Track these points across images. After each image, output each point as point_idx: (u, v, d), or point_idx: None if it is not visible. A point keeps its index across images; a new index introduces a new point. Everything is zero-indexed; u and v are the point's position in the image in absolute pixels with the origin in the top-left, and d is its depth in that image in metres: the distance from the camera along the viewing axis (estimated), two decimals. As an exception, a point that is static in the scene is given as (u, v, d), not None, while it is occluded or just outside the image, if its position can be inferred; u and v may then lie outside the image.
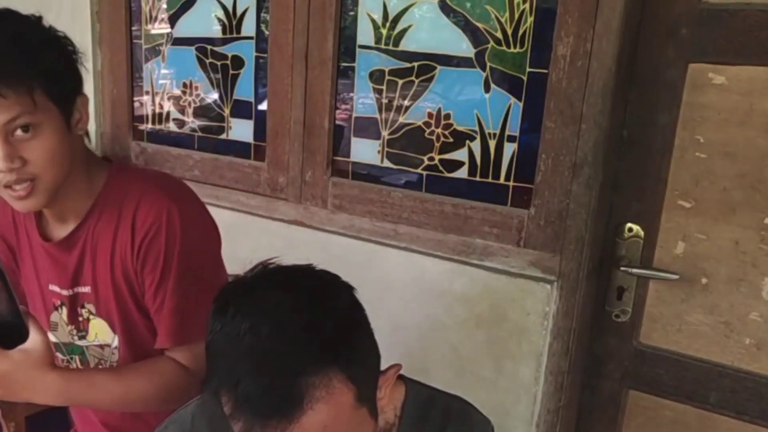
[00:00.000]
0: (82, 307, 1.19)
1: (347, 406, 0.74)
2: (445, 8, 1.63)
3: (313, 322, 0.74)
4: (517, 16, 1.54)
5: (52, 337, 1.20)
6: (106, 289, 1.15)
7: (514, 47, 1.56)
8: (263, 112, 1.96)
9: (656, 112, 1.48)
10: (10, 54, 0.99)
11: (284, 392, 0.71)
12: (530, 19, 1.53)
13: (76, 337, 1.21)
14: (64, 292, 1.19)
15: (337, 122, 1.84)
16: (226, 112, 2.05)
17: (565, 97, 1.48)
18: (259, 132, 1.98)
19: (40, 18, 1.10)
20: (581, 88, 1.46)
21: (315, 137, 1.84)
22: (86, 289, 1.17)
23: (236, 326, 0.73)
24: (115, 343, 1.19)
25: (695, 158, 1.46)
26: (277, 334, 0.72)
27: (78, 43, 1.17)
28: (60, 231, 1.17)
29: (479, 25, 1.59)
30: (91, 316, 1.19)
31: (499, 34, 1.57)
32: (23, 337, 1.00)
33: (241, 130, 2.03)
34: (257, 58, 1.96)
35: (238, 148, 2.03)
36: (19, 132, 1.01)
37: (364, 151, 1.81)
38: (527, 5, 1.53)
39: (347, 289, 0.81)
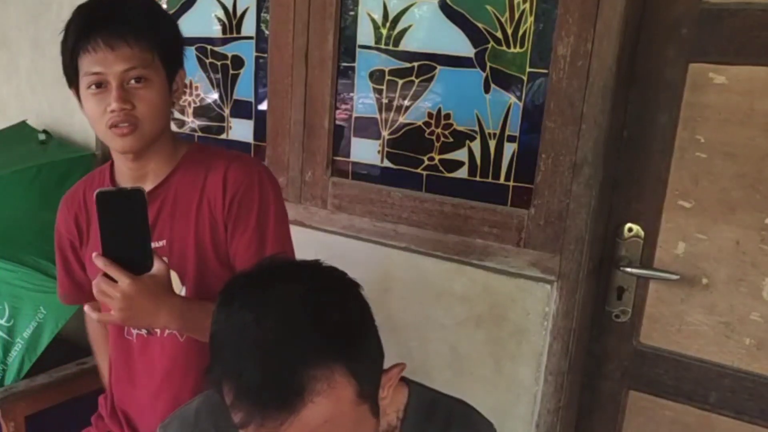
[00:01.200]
0: None
1: (348, 401, 0.74)
2: (445, 8, 1.63)
3: (318, 315, 0.74)
4: (517, 16, 1.54)
5: None
6: (184, 241, 1.26)
7: (514, 47, 1.56)
8: (263, 112, 1.96)
9: (656, 112, 1.48)
10: (144, 17, 1.19)
11: (286, 383, 0.70)
12: (530, 19, 1.53)
13: None
14: None
15: (337, 122, 1.84)
16: (226, 112, 2.05)
17: (565, 97, 1.48)
18: (259, 132, 1.98)
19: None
20: (581, 88, 1.46)
21: (315, 137, 1.84)
22: (161, 243, 1.27)
23: (241, 317, 0.74)
24: (182, 294, 1.27)
25: (695, 158, 1.46)
26: (281, 326, 0.72)
27: None
28: None
29: (479, 25, 1.59)
30: None
31: (499, 34, 1.57)
32: (146, 267, 1.10)
33: (241, 130, 2.03)
34: (257, 58, 1.96)
35: (238, 148, 2.03)
36: (132, 82, 1.17)
37: (364, 151, 1.81)
38: (527, 5, 1.53)
39: (353, 286, 0.81)
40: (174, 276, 1.26)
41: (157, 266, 1.11)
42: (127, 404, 1.41)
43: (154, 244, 1.23)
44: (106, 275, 1.10)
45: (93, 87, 1.18)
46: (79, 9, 1.21)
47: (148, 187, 1.26)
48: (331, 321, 0.74)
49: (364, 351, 0.77)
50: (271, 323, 0.72)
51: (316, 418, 0.71)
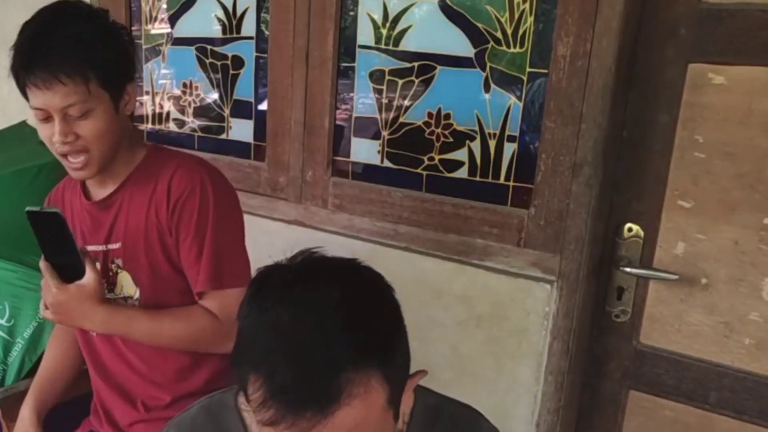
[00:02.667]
0: (112, 262, 1.33)
1: (379, 406, 0.73)
2: (445, 8, 1.63)
3: (357, 320, 0.73)
4: (517, 16, 1.54)
5: None
6: (136, 244, 1.30)
7: (514, 47, 1.56)
8: (263, 112, 1.96)
9: (656, 112, 1.48)
10: (71, 50, 1.16)
11: (323, 386, 0.69)
12: (530, 19, 1.53)
13: (106, 291, 1.33)
14: (99, 248, 1.34)
15: (337, 122, 1.84)
16: (226, 112, 2.05)
17: (564, 97, 1.48)
18: (259, 132, 1.98)
19: (104, 11, 1.26)
20: (581, 88, 1.46)
21: (315, 137, 1.84)
22: (117, 246, 1.32)
23: (276, 315, 0.72)
24: (137, 295, 1.32)
25: (695, 158, 1.46)
26: (320, 328, 0.71)
27: None
28: (100, 193, 1.34)
29: (479, 25, 1.59)
30: (119, 270, 1.33)
31: (499, 34, 1.57)
32: (80, 274, 1.22)
33: (241, 130, 2.03)
34: (257, 58, 1.96)
35: (239, 148, 2.03)
36: (73, 113, 1.19)
37: (364, 151, 1.81)
38: (527, 5, 1.53)
39: (390, 289, 0.80)
40: (128, 277, 1.32)
41: (87, 275, 1.22)
42: (103, 398, 1.43)
43: (111, 246, 1.32)
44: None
45: (41, 119, 1.21)
46: (18, 36, 1.21)
47: (109, 191, 1.32)
48: (370, 326, 0.73)
49: (397, 357, 0.76)
50: (310, 324, 0.71)
51: (347, 422, 0.70)
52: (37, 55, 1.16)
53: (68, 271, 1.23)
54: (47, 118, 1.20)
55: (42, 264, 1.23)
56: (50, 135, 1.20)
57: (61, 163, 1.26)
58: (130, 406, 1.38)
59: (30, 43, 1.18)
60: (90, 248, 1.32)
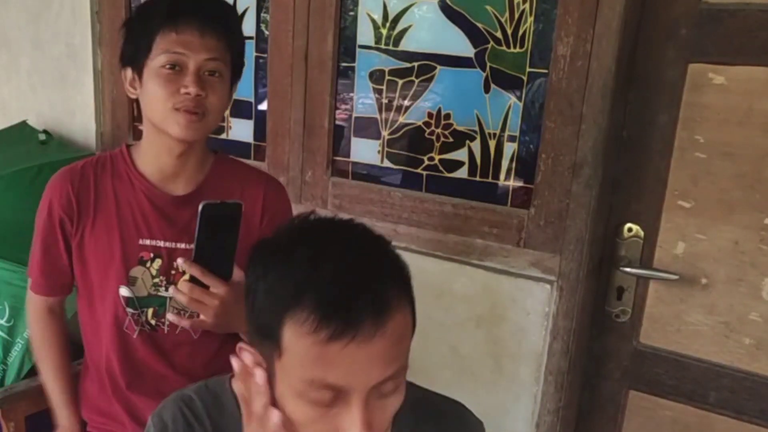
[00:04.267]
0: (175, 261, 1.28)
1: (410, 327, 0.78)
2: (445, 8, 1.63)
3: (389, 248, 0.79)
4: (517, 16, 1.55)
5: (124, 292, 1.28)
6: None
7: (514, 47, 1.56)
8: (263, 112, 1.96)
9: (656, 112, 1.48)
10: (233, 17, 1.27)
11: (376, 296, 0.73)
12: (530, 19, 1.53)
13: (162, 288, 1.30)
14: (164, 244, 1.29)
15: (337, 122, 1.85)
16: (226, 112, 2.05)
17: (564, 97, 1.48)
18: (259, 132, 1.98)
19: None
20: (581, 88, 1.46)
21: (315, 137, 1.85)
22: (191, 247, 1.25)
23: (321, 247, 0.76)
24: None
25: (695, 158, 1.46)
26: (363, 252, 0.76)
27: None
28: (171, 188, 1.30)
29: (479, 25, 1.59)
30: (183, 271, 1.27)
31: (499, 34, 1.58)
32: (226, 273, 1.15)
33: (241, 130, 2.03)
34: (257, 58, 1.96)
35: (238, 148, 2.03)
36: (207, 73, 1.19)
37: (364, 151, 1.81)
38: (527, 5, 1.53)
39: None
40: None
41: (237, 273, 1.15)
42: (131, 399, 1.37)
43: (185, 246, 1.27)
44: (194, 280, 1.14)
45: (168, 66, 1.17)
46: None
47: (180, 189, 1.29)
48: (401, 260, 0.80)
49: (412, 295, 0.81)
50: (355, 250, 0.76)
51: (396, 333, 0.74)
52: (202, 4, 1.18)
53: (216, 271, 1.15)
54: (177, 71, 1.17)
55: (195, 267, 1.13)
56: (173, 88, 1.17)
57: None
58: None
59: None
60: (146, 243, 1.28)
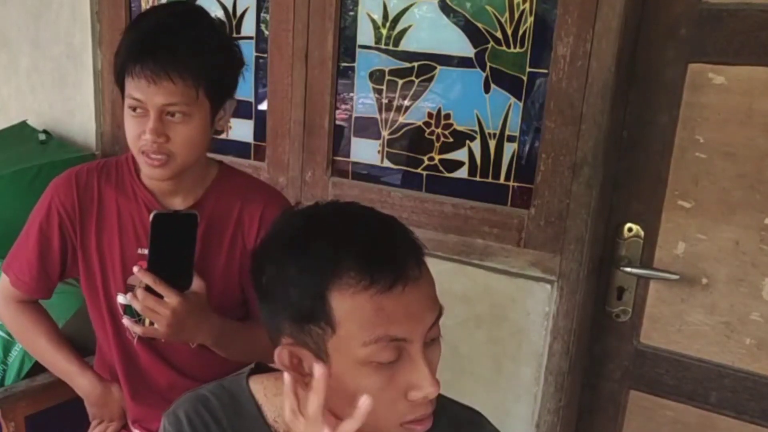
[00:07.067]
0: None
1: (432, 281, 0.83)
2: (445, 8, 1.63)
3: (401, 225, 0.82)
4: (517, 16, 1.54)
5: (122, 299, 1.30)
6: (212, 264, 1.28)
7: (514, 47, 1.56)
8: (263, 112, 1.96)
9: (656, 112, 1.48)
10: (191, 52, 1.14)
11: (410, 242, 0.79)
12: (530, 19, 1.53)
13: None
14: None
15: (337, 122, 1.84)
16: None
17: (565, 97, 1.48)
18: (259, 132, 1.98)
19: (223, 23, 1.26)
20: (581, 88, 1.46)
21: (315, 137, 1.84)
22: None
23: (339, 220, 0.79)
24: None
25: (695, 158, 1.46)
26: (378, 217, 0.81)
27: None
28: (171, 203, 1.29)
29: (479, 25, 1.59)
30: None
31: (499, 34, 1.57)
32: (185, 283, 1.16)
33: (241, 130, 2.03)
34: (257, 58, 1.96)
35: (238, 148, 2.03)
36: (171, 116, 1.16)
37: (364, 151, 1.81)
38: (527, 5, 1.53)
39: None
40: None
41: (197, 284, 1.16)
42: (137, 409, 1.37)
43: None
44: (149, 290, 1.14)
45: (131, 108, 1.17)
46: (133, 25, 1.20)
47: (178, 204, 1.28)
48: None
49: None
50: (370, 213, 0.81)
51: (429, 275, 0.80)
52: (155, 48, 1.13)
53: (173, 280, 1.15)
54: (141, 114, 1.16)
55: (147, 275, 1.13)
56: (138, 131, 1.16)
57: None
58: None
59: (148, 35, 1.15)
60: (145, 253, 1.25)
